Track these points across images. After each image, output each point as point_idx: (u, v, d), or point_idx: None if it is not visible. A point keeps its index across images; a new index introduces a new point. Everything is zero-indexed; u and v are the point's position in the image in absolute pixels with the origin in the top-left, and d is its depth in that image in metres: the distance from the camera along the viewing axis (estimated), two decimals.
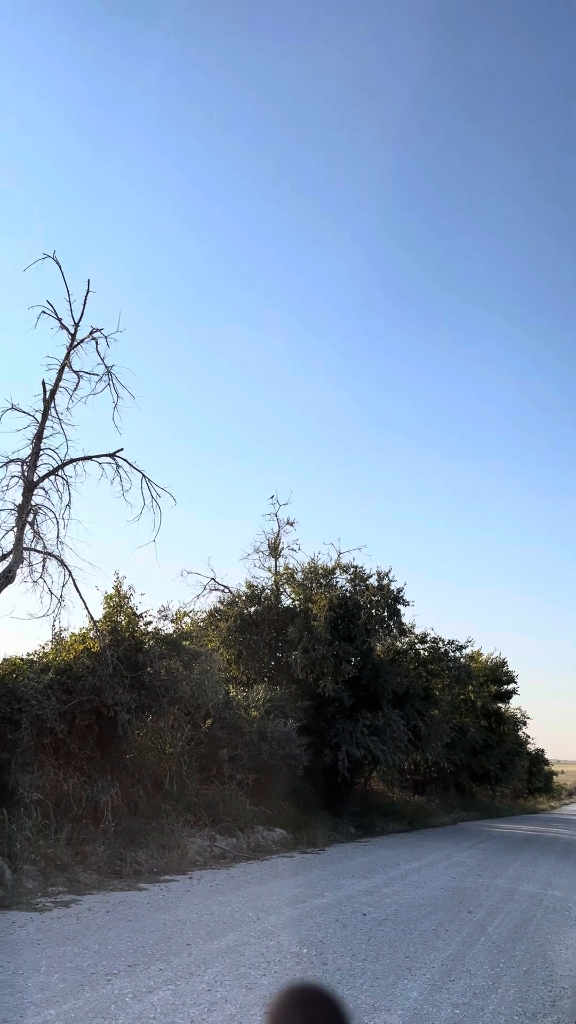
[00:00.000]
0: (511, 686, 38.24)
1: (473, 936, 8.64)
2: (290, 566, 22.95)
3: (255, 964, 6.74)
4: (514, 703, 42.35)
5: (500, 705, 38.30)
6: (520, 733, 43.41)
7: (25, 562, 12.54)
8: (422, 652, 26.14)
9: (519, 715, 42.83)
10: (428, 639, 26.51)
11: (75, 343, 13.08)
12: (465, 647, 28.69)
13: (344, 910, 9.58)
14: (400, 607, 22.93)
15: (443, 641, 27.11)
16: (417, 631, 26.08)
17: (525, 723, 43.55)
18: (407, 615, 24.51)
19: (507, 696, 38.44)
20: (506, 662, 38.26)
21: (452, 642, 27.61)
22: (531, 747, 49.21)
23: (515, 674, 38.23)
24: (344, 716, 20.74)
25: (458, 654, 27.89)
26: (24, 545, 12.44)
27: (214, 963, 6.68)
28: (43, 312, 12.82)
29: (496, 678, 37.56)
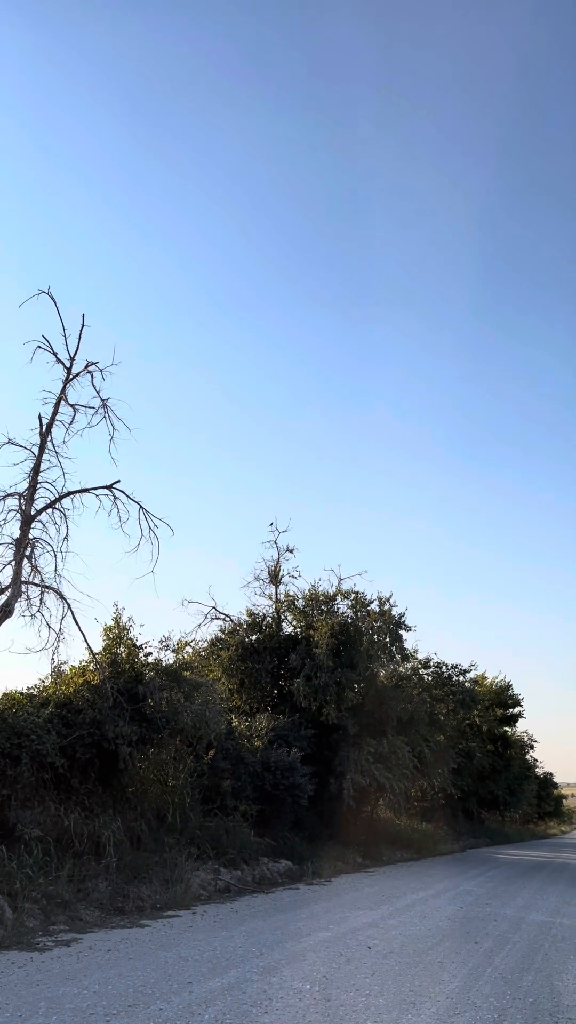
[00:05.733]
0: (517, 709, 37.98)
1: (480, 967, 8.51)
2: (291, 593, 22.92)
3: (257, 1002, 6.65)
4: (521, 726, 42.04)
5: (506, 729, 38.02)
6: (528, 757, 43.07)
7: (23, 596, 12.53)
8: (426, 677, 26.01)
9: (526, 738, 42.51)
10: (431, 664, 26.41)
11: (71, 377, 13.19)
12: (469, 671, 28.56)
13: (349, 943, 9.46)
14: (402, 632, 22.84)
15: (447, 666, 27.00)
16: (420, 656, 26.01)
17: (532, 746, 43.23)
18: (409, 640, 24.43)
19: (513, 720, 38.17)
20: (511, 685, 38.06)
21: (456, 666, 27.51)
22: (539, 771, 48.82)
23: (520, 697, 38.03)
24: (348, 744, 20.58)
25: (462, 678, 27.76)
26: (22, 579, 12.44)
27: (215, 1001, 6.59)
28: (39, 347, 12.95)
29: (501, 702, 37.31)
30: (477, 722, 34.33)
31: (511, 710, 37.71)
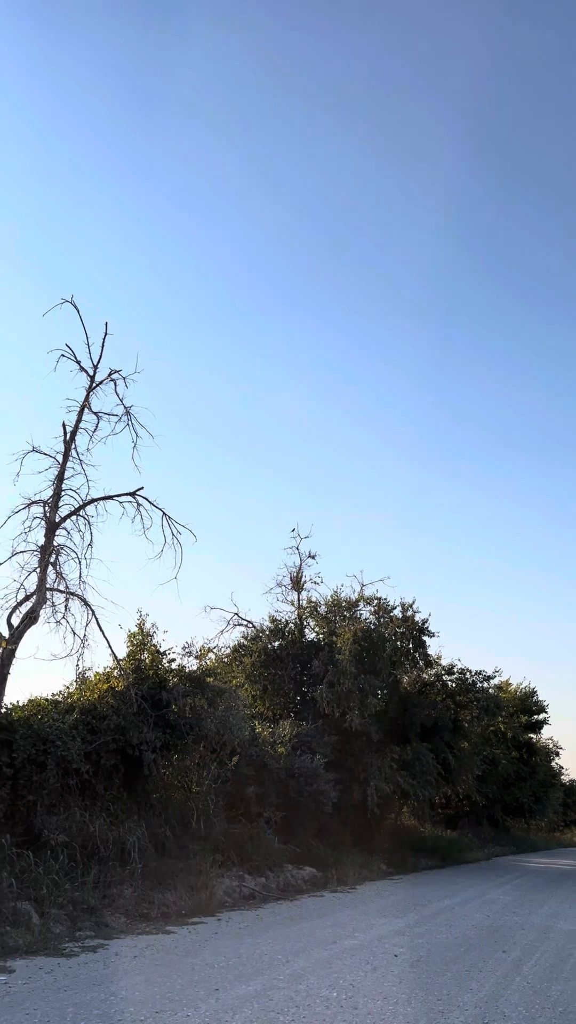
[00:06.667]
0: (542, 716, 37.61)
1: (508, 976, 8.43)
2: (313, 599, 22.91)
3: (283, 1009, 6.62)
4: (546, 733, 41.65)
5: (531, 736, 37.64)
6: (553, 764, 42.59)
7: (48, 602, 12.61)
8: (449, 684, 25.84)
9: (551, 745, 42.07)
10: (455, 670, 26.23)
11: (94, 385, 13.29)
12: (493, 677, 28.33)
13: (375, 951, 9.40)
14: (425, 638, 22.74)
15: (470, 672, 26.81)
16: (444, 662, 25.83)
17: (558, 753, 42.71)
18: (433, 646, 24.27)
19: (538, 726, 37.79)
20: (536, 691, 37.68)
21: (479, 672, 27.30)
22: (565, 778, 48.25)
23: (546, 703, 37.63)
24: (372, 750, 20.50)
25: (486, 684, 27.54)
26: (47, 585, 12.53)
27: (242, 1008, 6.57)
28: (62, 355, 13.07)
29: (526, 708, 36.97)
30: (502, 728, 34.03)
31: (536, 717, 37.35)
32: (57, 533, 12.80)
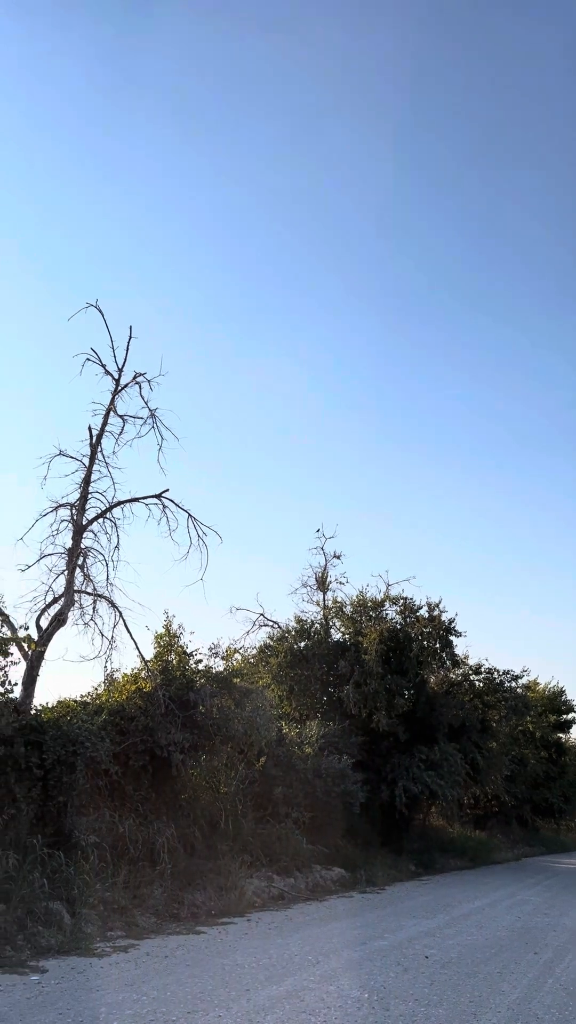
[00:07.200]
0: (570, 715, 37.28)
1: (540, 978, 8.37)
2: (338, 599, 22.87)
3: (315, 1010, 6.62)
4: (575, 733, 41.21)
5: (560, 735, 37.33)
6: None
7: (76, 605, 12.72)
8: (477, 683, 25.68)
9: None
10: (482, 670, 26.06)
11: (119, 388, 13.39)
12: (521, 677, 28.11)
13: (406, 952, 9.37)
14: (452, 638, 22.61)
15: (498, 671, 26.62)
16: (471, 662, 25.67)
17: None
18: (460, 645, 24.12)
19: (567, 726, 37.46)
20: (564, 691, 37.34)
21: (507, 672, 27.09)
22: None
23: (574, 703, 37.29)
24: (399, 751, 20.44)
25: (514, 684, 27.33)
26: (75, 588, 12.63)
27: (274, 1009, 6.58)
28: (87, 359, 13.18)
29: (555, 707, 36.66)
30: (530, 728, 33.77)
31: (565, 716, 37.04)
32: (84, 536, 12.91)
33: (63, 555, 12.69)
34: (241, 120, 66.33)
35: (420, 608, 22.40)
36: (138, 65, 60.99)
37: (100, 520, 13.08)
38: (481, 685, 25.66)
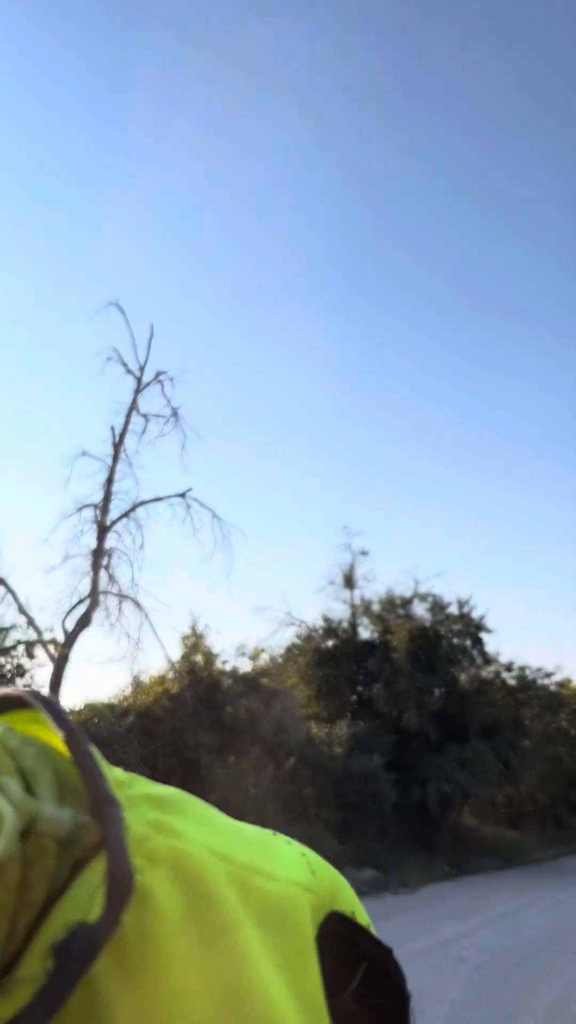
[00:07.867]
0: None
1: None
2: (366, 597, 22.68)
3: None
4: None
5: None
6: None
7: (101, 606, 12.69)
8: (509, 681, 25.37)
9: None
10: (514, 667, 25.74)
11: (141, 387, 13.34)
12: (554, 674, 27.73)
13: (440, 954, 9.19)
14: (483, 635, 22.36)
15: (530, 668, 26.28)
16: (503, 659, 25.36)
17: None
18: (491, 642, 23.86)
19: None
20: None
21: (540, 669, 26.74)
22: None
23: None
24: (431, 750, 20.22)
25: (547, 681, 26.97)
26: (100, 589, 12.60)
27: None
28: (109, 359, 13.15)
29: None
30: (564, 726, 33.34)
31: None
32: (108, 536, 12.88)
33: (87, 556, 12.69)
34: (263, 110, 66.23)
35: (449, 605, 22.17)
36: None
37: (124, 520, 13.06)
38: (513, 682, 25.34)
